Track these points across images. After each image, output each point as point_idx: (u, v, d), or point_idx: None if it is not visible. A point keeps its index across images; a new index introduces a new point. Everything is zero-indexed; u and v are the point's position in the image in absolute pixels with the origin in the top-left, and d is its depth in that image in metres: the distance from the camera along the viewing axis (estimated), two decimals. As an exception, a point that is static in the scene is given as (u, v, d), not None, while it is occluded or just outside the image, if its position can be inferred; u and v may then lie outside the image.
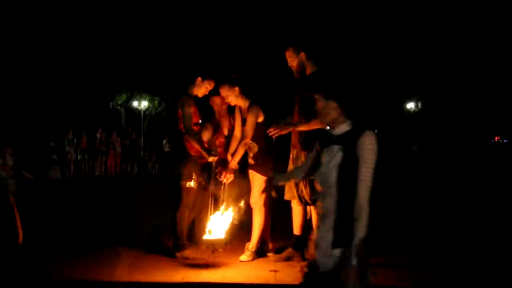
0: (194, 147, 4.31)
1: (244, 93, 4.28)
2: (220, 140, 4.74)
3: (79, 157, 15.20)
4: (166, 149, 17.02)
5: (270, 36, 18.06)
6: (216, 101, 4.68)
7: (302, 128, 3.93)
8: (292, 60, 4.06)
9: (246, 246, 4.30)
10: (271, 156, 4.32)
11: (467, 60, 23.50)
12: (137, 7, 19.81)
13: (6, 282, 3.47)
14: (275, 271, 3.88)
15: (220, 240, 4.03)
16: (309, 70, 4.03)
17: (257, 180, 4.27)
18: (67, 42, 19.04)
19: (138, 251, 4.63)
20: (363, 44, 21.81)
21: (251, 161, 4.30)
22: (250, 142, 4.21)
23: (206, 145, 4.37)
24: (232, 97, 4.27)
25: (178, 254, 4.28)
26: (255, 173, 4.30)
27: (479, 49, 23.10)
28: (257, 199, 4.28)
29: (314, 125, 3.80)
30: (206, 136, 4.61)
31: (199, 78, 4.43)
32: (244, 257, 4.25)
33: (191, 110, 4.33)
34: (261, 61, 18.48)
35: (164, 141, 17.39)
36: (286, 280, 3.67)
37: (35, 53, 18.21)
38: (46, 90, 19.16)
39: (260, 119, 4.22)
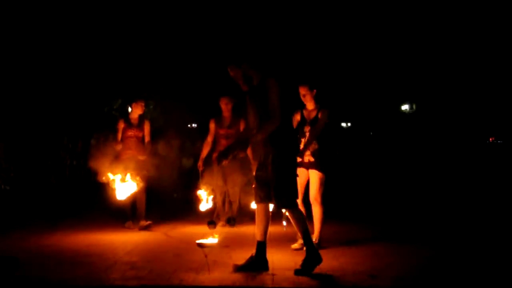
0: (124, 151, 6.06)
1: (316, 96, 4.92)
2: (227, 131, 6.16)
3: (74, 162, 15.13)
4: (162, 153, 16.97)
5: (265, 40, 18.09)
6: (223, 101, 6.19)
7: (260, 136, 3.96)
8: (236, 74, 4.08)
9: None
10: (330, 153, 4.81)
11: (461, 62, 23.65)
12: (130, 10, 19.80)
13: None
14: (273, 274, 3.88)
15: (212, 244, 4.07)
16: (255, 79, 4.04)
17: (316, 177, 4.75)
18: (63, 47, 18.99)
19: (135, 254, 4.63)
20: (361, 50, 21.97)
21: (310, 158, 4.75)
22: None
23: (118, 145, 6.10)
24: (309, 97, 4.89)
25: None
26: (312, 170, 4.74)
27: (473, 51, 23.27)
28: (316, 195, 4.77)
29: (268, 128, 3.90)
30: (212, 127, 6.26)
31: (133, 103, 6.18)
32: (296, 245, 4.68)
33: (118, 126, 6.16)
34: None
35: (159, 145, 17.31)
36: (284, 283, 3.68)
37: (29, 59, 18.16)
38: (41, 94, 19.10)
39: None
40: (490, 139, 33.37)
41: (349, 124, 35.26)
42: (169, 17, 20.48)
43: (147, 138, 6.27)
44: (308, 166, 4.85)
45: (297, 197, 4.05)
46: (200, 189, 5.41)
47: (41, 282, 3.71)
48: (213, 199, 6.11)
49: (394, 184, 11.48)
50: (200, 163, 6.19)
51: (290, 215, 3.99)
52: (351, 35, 21.62)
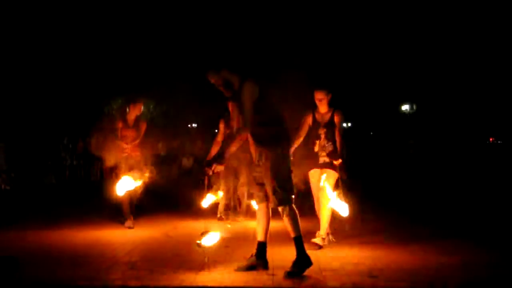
0: (122, 148, 6.14)
1: (330, 101, 4.99)
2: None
3: (74, 163, 15.13)
4: (162, 153, 16.96)
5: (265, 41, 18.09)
6: (230, 104, 6.00)
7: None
8: (217, 80, 4.01)
9: (317, 233, 4.86)
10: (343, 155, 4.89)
11: (461, 62, 23.64)
12: (130, 11, 19.78)
13: None
14: (273, 274, 3.87)
15: (212, 244, 4.07)
16: (236, 84, 3.96)
17: (331, 177, 4.85)
18: (63, 47, 18.96)
19: (135, 254, 4.62)
20: (361, 52, 21.99)
21: (326, 159, 4.88)
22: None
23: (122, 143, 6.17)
24: (325, 101, 4.96)
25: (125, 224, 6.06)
26: (328, 170, 4.86)
27: (473, 51, 23.26)
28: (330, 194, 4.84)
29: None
30: (221, 127, 6.52)
31: (131, 104, 6.26)
32: (317, 240, 4.77)
33: (118, 125, 6.21)
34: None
35: (160, 145, 17.31)
36: (284, 283, 3.67)
37: (29, 59, 18.13)
38: (40, 95, 19.08)
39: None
40: (490, 140, 33.38)
41: (349, 124, 35.29)
42: (169, 19, 20.46)
43: (140, 138, 6.39)
44: (323, 166, 4.92)
45: (293, 195, 3.97)
46: (206, 187, 5.54)
47: (41, 282, 3.70)
48: (220, 198, 6.54)
49: (394, 184, 11.48)
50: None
51: (284, 213, 3.90)
52: (351, 36, 21.63)
